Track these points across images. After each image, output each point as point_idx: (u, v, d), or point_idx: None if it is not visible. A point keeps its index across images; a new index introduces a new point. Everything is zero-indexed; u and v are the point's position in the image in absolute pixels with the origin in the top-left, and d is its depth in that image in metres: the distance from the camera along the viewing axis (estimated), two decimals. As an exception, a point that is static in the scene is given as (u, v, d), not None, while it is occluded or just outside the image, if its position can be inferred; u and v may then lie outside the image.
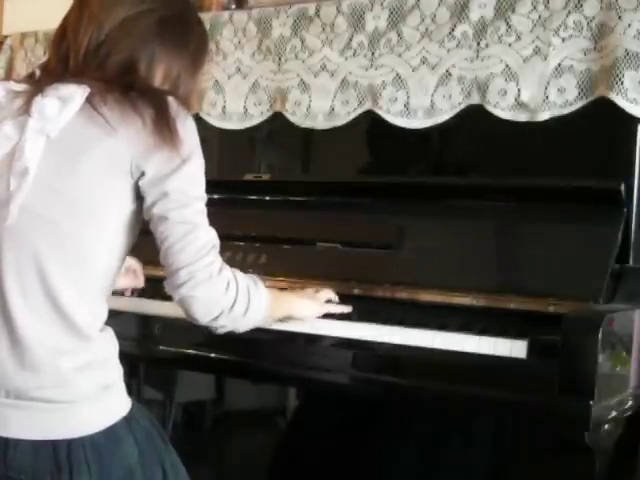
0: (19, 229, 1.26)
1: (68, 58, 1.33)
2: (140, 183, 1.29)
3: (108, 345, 1.35)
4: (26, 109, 1.29)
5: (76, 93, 1.27)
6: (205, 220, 1.33)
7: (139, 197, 1.31)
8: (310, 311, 1.63)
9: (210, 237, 1.33)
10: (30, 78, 1.38)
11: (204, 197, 1.33)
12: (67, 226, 1.27)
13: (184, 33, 1.41)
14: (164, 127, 1.26)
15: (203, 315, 1.33)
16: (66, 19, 1.38)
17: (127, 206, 1.31)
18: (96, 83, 1.28)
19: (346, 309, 1.67)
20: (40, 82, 1.34)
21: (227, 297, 1.33)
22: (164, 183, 1.28)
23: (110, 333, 1.36)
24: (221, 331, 1.39)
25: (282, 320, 1.58)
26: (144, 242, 1.35)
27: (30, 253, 1.26)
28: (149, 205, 1.29)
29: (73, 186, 1.27)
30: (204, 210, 1.33)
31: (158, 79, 1.37)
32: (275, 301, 1.47)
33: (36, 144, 1.27)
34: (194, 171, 1.31)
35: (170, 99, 1.31)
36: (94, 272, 1.30)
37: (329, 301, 1.69)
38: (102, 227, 1.29)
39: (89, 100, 1.27)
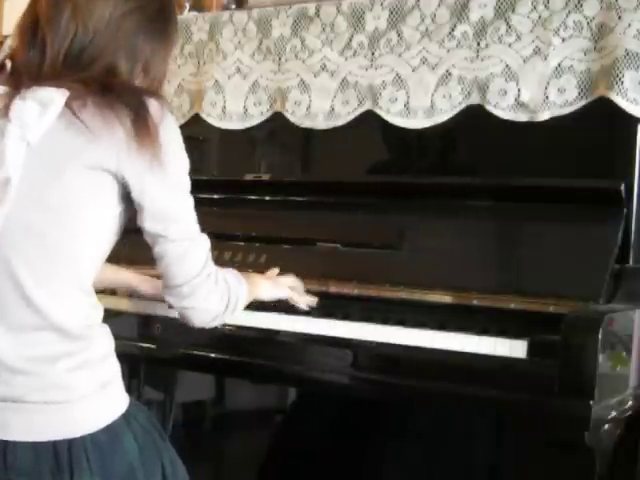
0: (4, 240, 1.24)
1: (44, 55, 1.27)
2: (132, 195, 1.27)
3: (104, 342, 1.34)
4: (5, 112, 1.24)
5: (55, 97, 1.23)
6: (197, 228, 1.34)
7: (123, 200, 1.29)
8: (272, 294, 1.67)
9: (206, 248, 1.36)
10: (1, 69, 1.32)
11: (191, 202, 1.33)
12: (56, 236, 1.25)
13: (165, 26, 1.37)
14: (144, 131, 1.23)
15: (200, 322, 1.43)
16: (36, 5, 1.31)
17: (113, 211, 1.30)
18: (75, 85, 1.24)
19: (311, 301, 1.70)
20: (17, 83, 1.27)
21: (222, 304, 1.41)
22: (154, 199, 1.27)
23: (105, 329, 1.35)
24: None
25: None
26: (139, 242, 1.35)
27: (15, 263, 1.24)
28: (142, 219, 1.29)
29: (60, 196, 1.24)
30: (195, 217, 1.34)
31: (138, 74, 1.34)
32: (250, 291, 1.53)
33: (17, 152, 1.23)
34: (178, 178, 1.31)
35: (150, 100, 1.27)
36: (78, 276, 1.29)
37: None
38: (89, 235, 1.28)
39: (68, 104, 1.23)
